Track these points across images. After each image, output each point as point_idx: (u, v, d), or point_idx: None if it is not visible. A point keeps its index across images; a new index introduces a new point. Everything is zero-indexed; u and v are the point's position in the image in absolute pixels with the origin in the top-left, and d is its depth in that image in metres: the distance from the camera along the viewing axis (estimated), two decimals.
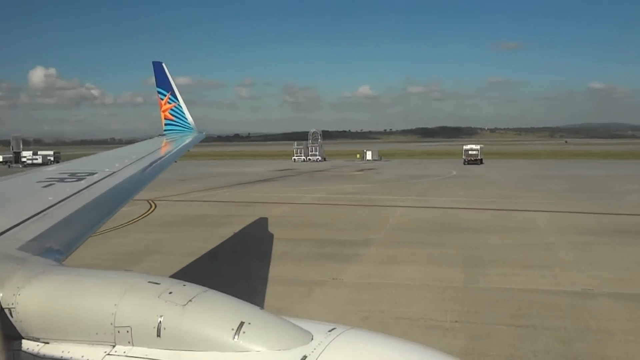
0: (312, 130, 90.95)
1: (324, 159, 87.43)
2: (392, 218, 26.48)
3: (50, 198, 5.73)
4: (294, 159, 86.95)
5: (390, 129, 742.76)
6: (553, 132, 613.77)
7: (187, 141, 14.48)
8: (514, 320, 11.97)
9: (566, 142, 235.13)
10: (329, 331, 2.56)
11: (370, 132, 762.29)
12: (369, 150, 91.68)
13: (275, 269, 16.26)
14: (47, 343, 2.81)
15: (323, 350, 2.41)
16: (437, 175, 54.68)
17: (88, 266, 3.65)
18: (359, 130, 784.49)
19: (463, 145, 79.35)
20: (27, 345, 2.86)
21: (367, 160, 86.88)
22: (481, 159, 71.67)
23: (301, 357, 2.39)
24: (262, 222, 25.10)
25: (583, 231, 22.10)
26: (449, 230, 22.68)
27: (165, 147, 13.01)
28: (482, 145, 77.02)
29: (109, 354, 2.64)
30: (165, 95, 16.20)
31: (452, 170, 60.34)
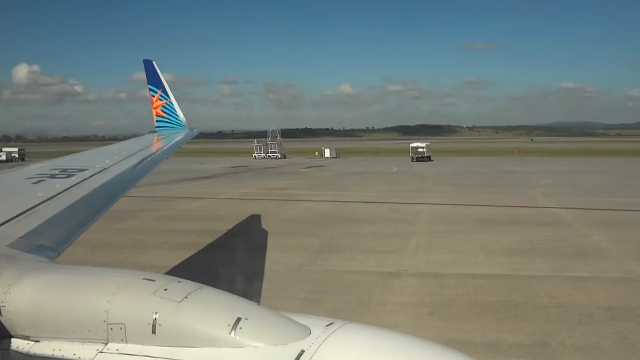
0: (271, 128, 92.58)
1: (284, 156, 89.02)
2: (293, 211, 28.23)
3: (40, 194, 5.64)
4: (254, 156, 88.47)
5: (373, 127, 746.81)
6: (529, 130, 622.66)
7: (179, 138, 14.49)
8: (311, 294, 13.75)
9: (532, 140, 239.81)
10: (327, 325, 2.56)
11: (352, 129, 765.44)
12: (327, 148, 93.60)
13: (139, 257, 17.84)
14: (38, 341, 2.75)
15: (321, 345, 2.40)
16: (377, 172, 56.65)
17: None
18: (341, 128, 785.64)
19: (410, 143, 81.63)
20: (16, 344, 2.80)
21: (325, 157, 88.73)
22: (429, 156, 73.95)
23: (299, 351, 2.37)
24: (165, 216, 26.68)
25: (452, 222, 24.06)
26: (335, 222, 24.46)
27: (157, 143, 12.95)
28: (429, 143, 79.41)
29: (101, 352, 2.60)
30: (156, 93, 16.33)
31: (395, 167, 62.50)
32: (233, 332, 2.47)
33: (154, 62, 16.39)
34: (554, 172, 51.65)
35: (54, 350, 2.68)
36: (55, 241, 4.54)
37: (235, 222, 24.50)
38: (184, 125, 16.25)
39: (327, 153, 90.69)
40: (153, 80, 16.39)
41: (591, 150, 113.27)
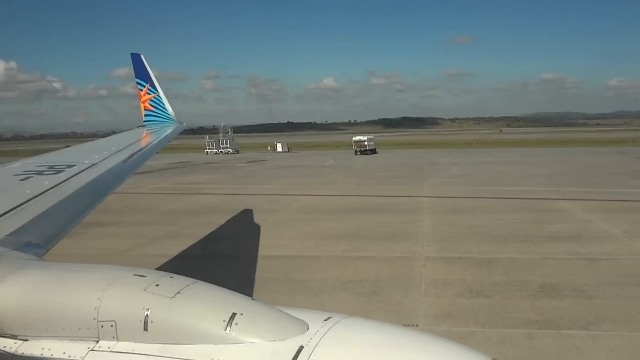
0: (223, 124, 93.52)
1: (237, 151, 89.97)
2: (178, 204, 29.42)
3: (28, 191, 5.57)
4: (207, 151, 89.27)
5: (355, 120, 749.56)
6: (511, 121, 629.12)
7: (168, 132, 14.37)
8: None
9: (500, 131, 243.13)
10: (325, 320, 2.53)
11: (335, 123, 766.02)
12: (279, 142, 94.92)
13: None
14: (26, 340, 2.70)
15: (320, 340, 2.37)
16: (310, 165, 57.98)
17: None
18: (324, 122, 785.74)
19: (352, 136, 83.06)
20: (3, 343, 2.73)
21: (278, 152, 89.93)
22: (373, 149, 75.42)
23: (298, 347, 2.33)
24: None
25: (312, 211, 25.30)
26: (204, 212, 25.67)
27: (145, 138, 12.72)
28: (372, 136, 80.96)
29: (92, 350, 2.55)
30: (144, 86, 16.14)
31: (331, 160, 63.93)
32: (229, 328, 2.42)
33: (142, 56, 16.13)
34: (476, 164, 53.27)
35: (43, 349, 2.61)
36: (43, 238, 4.50)
37: (115, 215, 25.58)
38: (172, 119, 16.13)
39: (279, 147, 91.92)
40: (141, 74, 16.14)
41: (549, 140, 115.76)
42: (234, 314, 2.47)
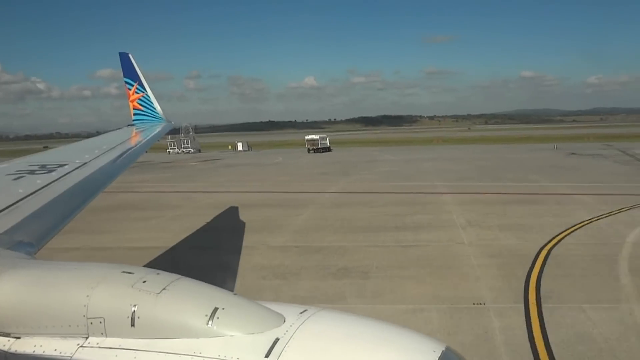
0: (184, 124, 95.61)
1: (198, 151, 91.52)
2: (101, 201, 31.01)
3: (20, 191, 5.62)
4: (169, 151, 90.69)
5: (335, 119, 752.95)
6: (489, 118, 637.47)
7: (157, 131, 14.56)
8: None
9: (469, 129, 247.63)
10: (301, 313, 2.64)
11: (315, 121, 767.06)
12: (239, 142, 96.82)
13: None
14: (19, 338, 2.76)
15: (295, 332, 2.48)
16: (258, 164, 59.88)
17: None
18: (304, 120, 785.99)
19: (305, 135, 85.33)
20: None
21: (238, 150, 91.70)
22: (327, 147, 77.84)
23: (274, 339, 2.45)
24: None
25: (217, 206, 26.97)
26: (116, 209, 27.38)
27: (135, 137, 12.86)
28: (325, 135, 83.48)
29: (82, 346, 2.62)
30: (132, 86, 16.23)
31: (280, 158, 66.10)
32: (210, 322, 2.54)
33: (130, 55, 16.24)
34: (409, 161, 55.58)
35: (35, 346, 2.67)
36: (35, 237, 4.54)
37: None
38: (161, 118, 16.30)
39: (239, 146, 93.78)
40: (129, 73, 16.25)
41: (508, 137, 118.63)
42: (215, 309, 2.58)
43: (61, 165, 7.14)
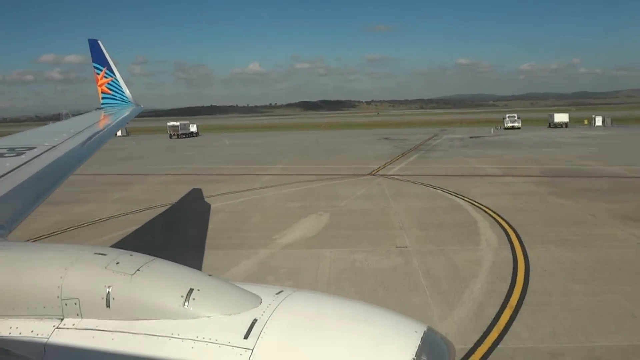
0: (64, 111, 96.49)
1: None
2: None
3: None
4: None
5: (275, 103, 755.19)
6: (425, 103, 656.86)
7: (126, 114, 14.66)
8: None
9: (378, 114, 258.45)
10: (277, 294, 2.65)
11: (256, 106, 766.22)
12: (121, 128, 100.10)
13: None
14: None
15: (273, 313, 2.49)
16: (110, 148, 64.10)
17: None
18: (246, 105, 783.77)
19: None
20: None
21: (117, 136, 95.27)
22: (189, 133, 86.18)
23: (252, 320, 2.45)
24: None
25: None
26: None
27: (103, 120, 12.89)
28: (187, 122, 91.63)
29: (58, 328, 2.61)
30: (101, 71, 16.52)
31: (134, 142, 70.77)
32: (186, 304, 2.52)
33: (99, 42, 16.63)
34: (241, 145, 62.16)
35: (10, 327, 2.66)
36: (6, 220, 4.49)
37: None
38: (130, 102, 16.59)
39: (118, 132, 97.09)
40: (98, 58, 16.58)
41: (397, 122, 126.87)
42: (191, 290, 2.56)
43: (30, 149, 7.10)
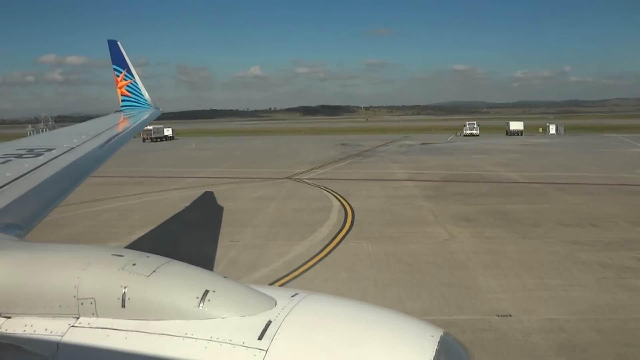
0: (44, 115, 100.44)
1: None
2: None
3: (8, 174, 5.64)
4: None
5: (275, 108, 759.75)
6: (421, 109, 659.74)
7: (145, 117, 14.72)
8: None
9: (367, 120, 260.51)
10: (292, 296, 2.66)
11: (256, 110, 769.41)
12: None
13: None
14: (9, 317, 2.75)
15: (287, 315, 2.50)
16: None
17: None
18: (246, 109, 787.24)
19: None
20: None
21: None
22: (163, 137, 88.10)
23: (266, 322, 2.47)
24: None
25: None
26: None
27: (123, 123, 13.02)
28: (161, 126, 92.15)
29: (73, 326, 2.63)
30: (121, 73, 16.40)
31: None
32: (202, 305, 2.53)
33: (118, 43, 16.47)
34: (219, 149, 64.28)
35: (25, 325, 2.67)
36: (24, 220, 4.57)
37: None
38: (149, 104, 16.55)
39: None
40: (117, 60, 16.42)
41: (380, 128, 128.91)
42: (206, 291, 2.57)
43: (49, 150, 7.15)
